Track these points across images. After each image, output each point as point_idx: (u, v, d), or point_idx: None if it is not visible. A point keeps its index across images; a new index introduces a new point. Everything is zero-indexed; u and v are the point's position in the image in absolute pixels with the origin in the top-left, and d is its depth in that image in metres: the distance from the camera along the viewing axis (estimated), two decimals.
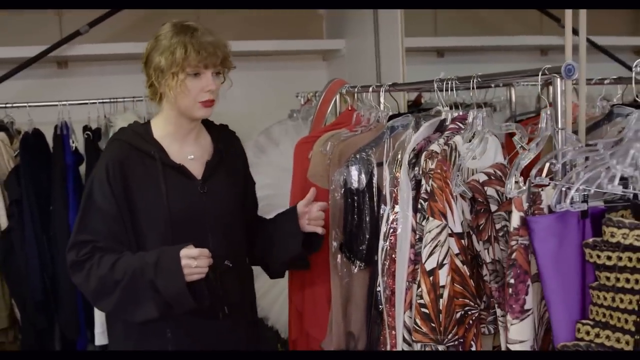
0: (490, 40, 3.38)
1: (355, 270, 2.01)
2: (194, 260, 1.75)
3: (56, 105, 3.19)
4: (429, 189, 1.56)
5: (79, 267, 1.84)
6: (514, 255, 1.31)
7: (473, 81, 1.67)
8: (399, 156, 1.68)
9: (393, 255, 1.66)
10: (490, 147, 1.70)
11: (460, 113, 1.74)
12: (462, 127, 1.69)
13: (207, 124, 2.05)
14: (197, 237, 1.84)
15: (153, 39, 1.86)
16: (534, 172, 1.31)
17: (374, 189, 1.99)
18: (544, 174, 1.33)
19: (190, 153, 1.95)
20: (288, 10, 3.73)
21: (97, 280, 1.80)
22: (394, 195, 1.67)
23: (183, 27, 1.83)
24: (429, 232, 1.52)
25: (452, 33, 3.55)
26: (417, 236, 1.59)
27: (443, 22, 3.58)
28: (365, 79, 3.14)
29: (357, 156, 1.99)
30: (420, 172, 1.61)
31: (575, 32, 3.07)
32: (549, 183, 1.30)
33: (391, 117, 2.08)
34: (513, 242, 1.32)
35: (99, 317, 3.10)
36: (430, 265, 1.51)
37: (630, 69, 2.76)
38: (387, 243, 1.67)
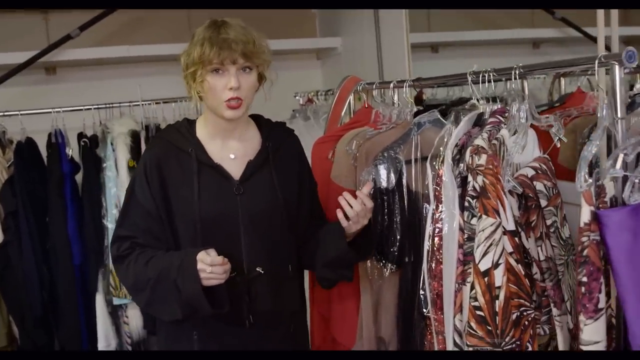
0: (485, 35, 3.33)
1: (387, 273, 1.93)
2: (208, 266, 1.67)
3: (49, 112, 3.06)
4: (477, 185, 1.49)
5: (120, 261, 1.84)
6: (585, 252, 1.24)
7: (515, 72, 1.59)
8: (441, 152, 1.60)
9: (439, 257, 1.59)
10: (530, 141, 1.64)
11: (499, 106, 1.67)
12: (503, 120, 1.62)
13: (259, 120, 1.96)
14: (228, 240, 1.78)
15: (190, 39, 1.79)
16: (608, 163, 1.24)
17: (404, 188, 1.91)
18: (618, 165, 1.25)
19: (233, 152, 1.86)
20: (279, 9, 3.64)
21: (134, 276, 1.80)
22: (436, 193, 1.59)
23: (213, 22, 1.75)
24: (482, 230, 1.44)
25: (445, 28, 3.49)
26: (466, 235, 1.51)
27: (436, 17, 3.53)
28: (365, 77, 3.06)
29: (385, 154, 1.92)
30: (465, 168, 1.54)
31: (569, 23, 3.05)
32: (624, 174, 1.23)
33: (416, 114, 2.01)
34: (584, 239, 1.25)
35: (102, 331, 2.99)
36: (484, 265, 1.44)
37: None
38: (432, 244, 1.59)
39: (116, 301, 2.97)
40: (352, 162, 2.03)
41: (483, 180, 1.46)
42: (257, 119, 1.96)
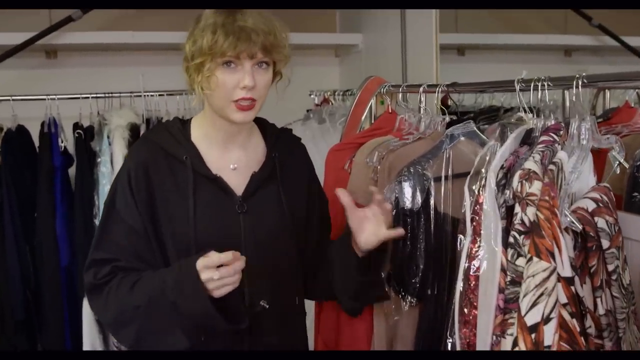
0: (515, 39, 3.09)
1: (406, 307, 1.66)
2: (215, 271, 1.36)
3: (44, 99, 2.82)
4: (527, 219, 1.21)
5: (97, 291, 1.50)
6: None
7: (577, 82, 1.31)
8: (482, 174, 1.32)
9: (473, 300, 1.31)
10: (586, 165, 1.37)
11: (553, 122, 1.39)
12: (557, 139, 1.34)
13: (263, 126, 1.67)
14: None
15: (193, 23, 1.47)
16: None
17: (431, 210, 1.64)
18: None
19: (234, 161, 1.57)
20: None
21: (116, 308, 1.47)
22: (475, 224, 1.31)
23: (227, 10, 1.43)
24: (532, 276, 1.16)
25: (473, 30, 3.24)
26: (509, 278, 1.23)
27: (464, 18, 3.27)
28: (387, 78, 2.80)
29: (412, 170, 1.64)
30: (512, 196, 1.26)
31: (606, 31, 2.78)
32: None
33: (448, 124, 1.74)
34: None
35: (88, 338, 2.74)
36: (532, 319, 1.16)
37: None
38: (466, 284, 1.31)
39: None
40: (372, 176, 1.76)
41: (536, 214, 1.18)
42: (261, 123, 1.67)
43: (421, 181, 1.63)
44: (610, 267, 1.25)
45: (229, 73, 1.42)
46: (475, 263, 1.29)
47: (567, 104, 2.33)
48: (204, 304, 1.37)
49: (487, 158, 1.35)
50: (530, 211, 1.21)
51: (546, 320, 1.16)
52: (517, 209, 1.24)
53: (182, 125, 1.59)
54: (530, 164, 1.25)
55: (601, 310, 1.24)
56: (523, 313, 1.17)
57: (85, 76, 3.21)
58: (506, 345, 1.23)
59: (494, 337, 1.25)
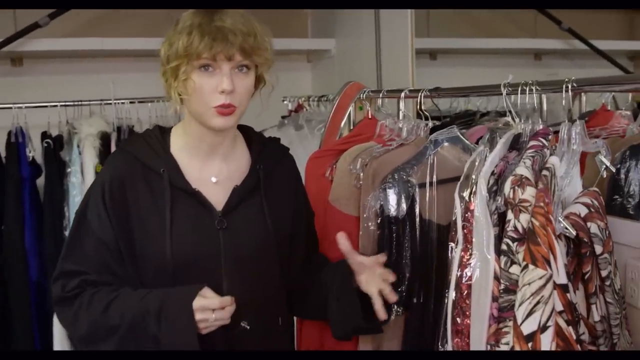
0: (488, 43, 3.10)
1: (392, 317, 1.62)
2: (211, 314, 1.32)
3: (10, 108, 2.72)
4: (520, 226, 1.18)
5: (65, 303, 1.44)
6: None
7: (567, 87, 1.30)
8: (472, 180, 1.29)
9: (465, 309, 1.28)
10: (575, 170, 1.35)
11: (541, 126, 1.37)
12: (546, 144, 1.32)
13: (248, 135, 1.61)
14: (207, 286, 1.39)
15: (172, 26, 1.40)
16: None
17: (416, 217, 1.61)
18: None
19: (216, 174, 1.49)
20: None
21: (88, 325, 1.41)
22: (466, 232, 1.28)
23: (205, 10, 1.37)
24: (528, 284, 1.14)
25: (444, 35, 3.25)
26: (502, 286, 1.21)
27: (435, 23, 3.28)
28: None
29: (396, 176, 1.61)
30: (503, 202, 1.23)
31: (575, 35, 2.80)
32: None
33: (432, 130, 1.71)
34: None
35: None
36: (529, 327, 1.14)
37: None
38: (457, 294, 1.28)
39: None
40: (354, 183, 1.72)
41: (532, 222, 1.15)
42: (246, 132, 1.61)
43: (406, 188, 1.60)
44: (604, 273, 1.23)
45: (207, 77, 1.36)
46: (468, 271, 1.27)
47: (544, 106, 2.33)
48: (191, 340, 1.33)
49: (477, 164, 1.33)
50: (524, 218, 1.18)
51: (543, 328, 1.13)
52: (510, 215, 1.21)
53: (162, 135, 1.51)
54: (522, 170, 1.23)
55: (596, 317, 1.22)
56: (519, 322, 1.15)
57: (53, 84, 3.11)
58: None
59: (488, 347, 1.23)
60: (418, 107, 1.78)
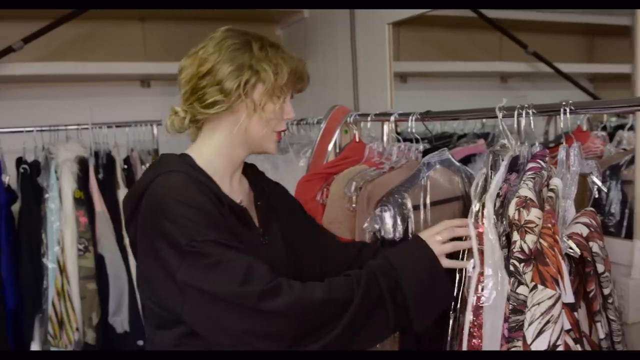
0: (455, 66, 3.15)
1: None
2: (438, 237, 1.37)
3: None
4: (527, 247, 1.20)
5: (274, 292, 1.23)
6: None
7: (565, 111, 1.32)
8: (475, 204, 1.31)
9: (472, 330, 1.28)
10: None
11: (538, 148, 1.39)
12: (545, 166, 1.34)
13: None
14: None
15: (213, 47, 1.37)
16: None
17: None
18: None
19: (237, 195, 1.45)
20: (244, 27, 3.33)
21: (312, 310, 1.24)
22: (480, 255, 1.28)
23: (264, 37, 1.41)
24: (538, 304, 1.15)
25: (414, 58, 3.29)
26: (511, 307, 1.22)
27: (405, 46, 3.32)
28: None
29: (391, 199, 1.61)
30: (508, 224, 1.25)
31: (541, 58, 2.86)
32: None
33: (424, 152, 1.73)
34: None
35: None
36: (539, 347, 1.14)
37: (592, 96, 2.57)
38: (473, 316, 1.28)
39: None
40: (347, 206, 1.72)
41: (540, 243, 1.16)
42: None
43: (401, 210, 1.60)
44: (606, 291, 1.25)
45: (279, 105, 1.41)
46: (485, 293, 1.26)
47: (522, 127, 2.37)
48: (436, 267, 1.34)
49: (479, 187, 1.34)
50: (530, 239, 1.20)
51: (553, 348, 1.14)
52: (516, 236, 1.23)
53: (184, 158, 1.42)
54: (525, 192, 1.24)
55: (601, 334, 1.24)
56: (529, 341, 1.15)
57: (29, 109, 3.05)
58: None
59: None
60: (411, 130, 1.79)
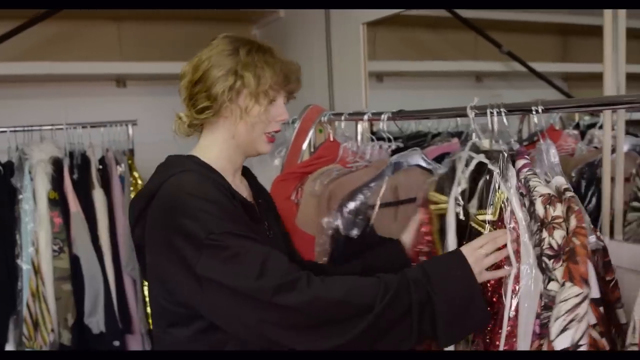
0: (431, 65, 3.05)
1: None
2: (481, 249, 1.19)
3: None
4: (555, 242, 1.09)
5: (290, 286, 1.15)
6: None
7: (536, 109, 1.21)
8: (491, 203, 1.19)
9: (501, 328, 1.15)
10: None
11: (518, 146, 1.31)
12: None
13: None
14: None
15: (207, 53, 1.32)
16: None
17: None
18: None
19: (242, 193, 1.39)
20: (217, 29, 3.16)
21: (327, 310, 1.14)
22: (516, 254, 1.17)
23: (254, 42, 1.34)
24: (564, 301, 1.02)
25: (390, 57, 3.18)
26: (543, 303, 1.10)
27: (381, 46, 3.20)
28: None
29: (353, 197, 1.55)
30: (534, 220, 1.14)
31: (515, 58, 2.76)
32: None
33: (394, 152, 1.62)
34: None
35: None
36: (561, 344, 1.02)
37: (566, 95, 2.50)
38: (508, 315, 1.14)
39: None
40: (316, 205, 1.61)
41: (573, 241, 1.05)
42: None
43: (362, 208, 1.53)
44: None
45: (272, 107, 1.35)
46: (521, 292, 1.13)
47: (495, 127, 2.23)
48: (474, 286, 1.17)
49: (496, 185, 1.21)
50: (558, 234, 1.10)
51: (576, 347, 1.01)
52: (544, 234, 1.12)
53: (190, 158, 1.36)
54: (544, 189, 1.16)
55: (623, 319, 1.15)
56: (552, 337, 1.04)
57: (2, 109, 2.82)
58: None
59: None
60: (383, 128, 1.68)
